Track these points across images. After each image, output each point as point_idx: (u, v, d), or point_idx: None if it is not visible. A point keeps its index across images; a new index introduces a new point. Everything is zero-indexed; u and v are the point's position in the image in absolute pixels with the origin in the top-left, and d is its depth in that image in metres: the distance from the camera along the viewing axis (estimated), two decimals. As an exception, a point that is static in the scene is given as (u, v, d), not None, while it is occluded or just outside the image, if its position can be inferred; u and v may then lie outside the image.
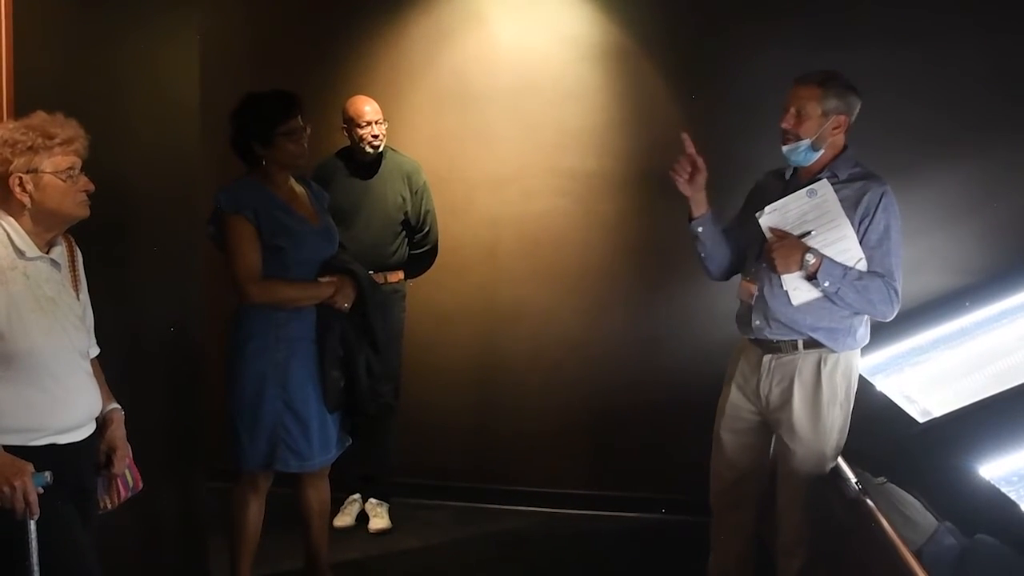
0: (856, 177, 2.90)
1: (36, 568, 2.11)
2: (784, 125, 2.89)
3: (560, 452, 4.48)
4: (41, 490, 2.10)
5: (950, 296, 3.90)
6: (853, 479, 2.83)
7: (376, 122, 4.01)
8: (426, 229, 4.17)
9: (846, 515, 2.80)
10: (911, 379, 3.43)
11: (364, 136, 4.01)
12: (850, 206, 2.85)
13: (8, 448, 2.12)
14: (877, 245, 2.85)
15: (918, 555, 2.32)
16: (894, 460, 2.85)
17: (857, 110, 2.91)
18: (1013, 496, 2.39)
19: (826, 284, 2.81)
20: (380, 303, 3.31)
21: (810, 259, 2.81)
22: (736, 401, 3.08)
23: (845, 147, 2.94)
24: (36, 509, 2.09)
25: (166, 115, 3.18)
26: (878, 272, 2.84)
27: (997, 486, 2.45)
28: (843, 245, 2.84)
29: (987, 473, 2.51)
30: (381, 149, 4.06)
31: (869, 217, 2.84)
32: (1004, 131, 3.92)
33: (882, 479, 2.79)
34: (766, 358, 2.99)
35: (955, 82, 3.94)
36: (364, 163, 4.08)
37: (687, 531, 3.88)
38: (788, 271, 2.86)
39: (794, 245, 2.85)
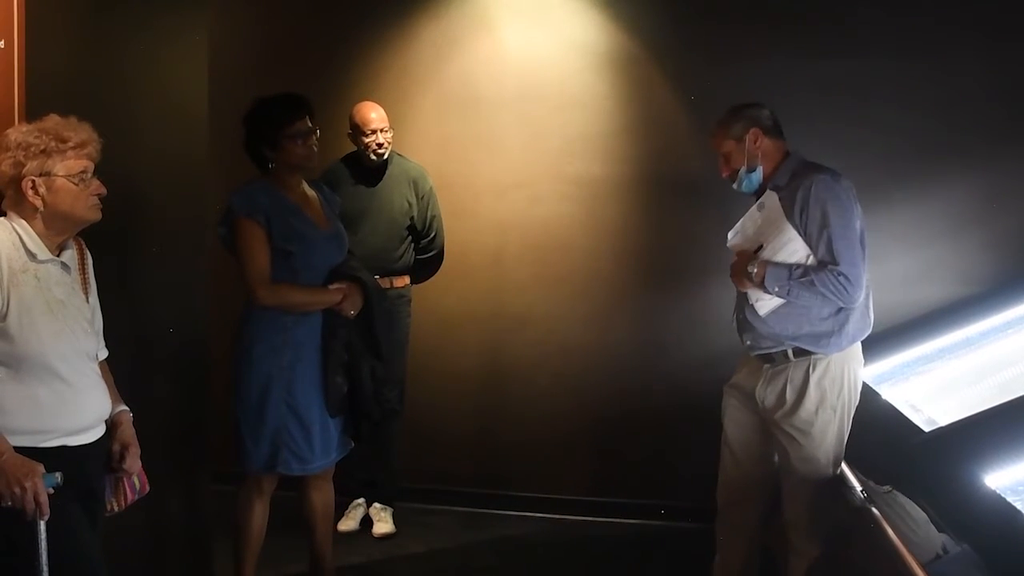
0: (794, 178, 2.96)
1: (45, 569, 2.12)
2: (723, 175, 3.06)
3: (564, 458, 4.48)
4: (51, 491, 2.10)
5: (955, 306, 3.90)
6: (858, 487, 2.84)
7: (381, 130, 4.02)
8: (432, 234, 4.18)
9: (851, 523, 2.80)
10: (916, 388, 3.44)
11: (369, 144, 4.02)
12: (788, 207, 2.92)
13: (18, 449, 2.12)
14: (819, 235, 2.88)
15: (922, 563, 2.33)
16: (899, 469, 2.85)
17: (765, 114, 3.01)
18: (1018, 505, 2.39)
19: (775, 289, 2.91)
20: (386, 312, 3.33)
21: (752, 270, 2.93)
22: (739, 403, 3.14)
23: (787, 155, 3.02)
24: (46, 510, 2.09)
25: (174, 118, 3.18)
26: (825, 261, 2.87)
27: (1002, 495, 2.45)
28: (791, 247, 2.92)
29: (992, 482, 2.51)
30: (386, 157, 4.07)
31: (805, 211, 2.89)
32: (1009, 140, 3.93)
33: (887, 487, 2.79)
34: (764, 366, 3.06)
35: (959, 91, 3.94)
36: (370, 169, 4.09)
37: (690, 537, 3.89)
38: (744, 288, 3.00)
39: (740, 262, 2.99)
